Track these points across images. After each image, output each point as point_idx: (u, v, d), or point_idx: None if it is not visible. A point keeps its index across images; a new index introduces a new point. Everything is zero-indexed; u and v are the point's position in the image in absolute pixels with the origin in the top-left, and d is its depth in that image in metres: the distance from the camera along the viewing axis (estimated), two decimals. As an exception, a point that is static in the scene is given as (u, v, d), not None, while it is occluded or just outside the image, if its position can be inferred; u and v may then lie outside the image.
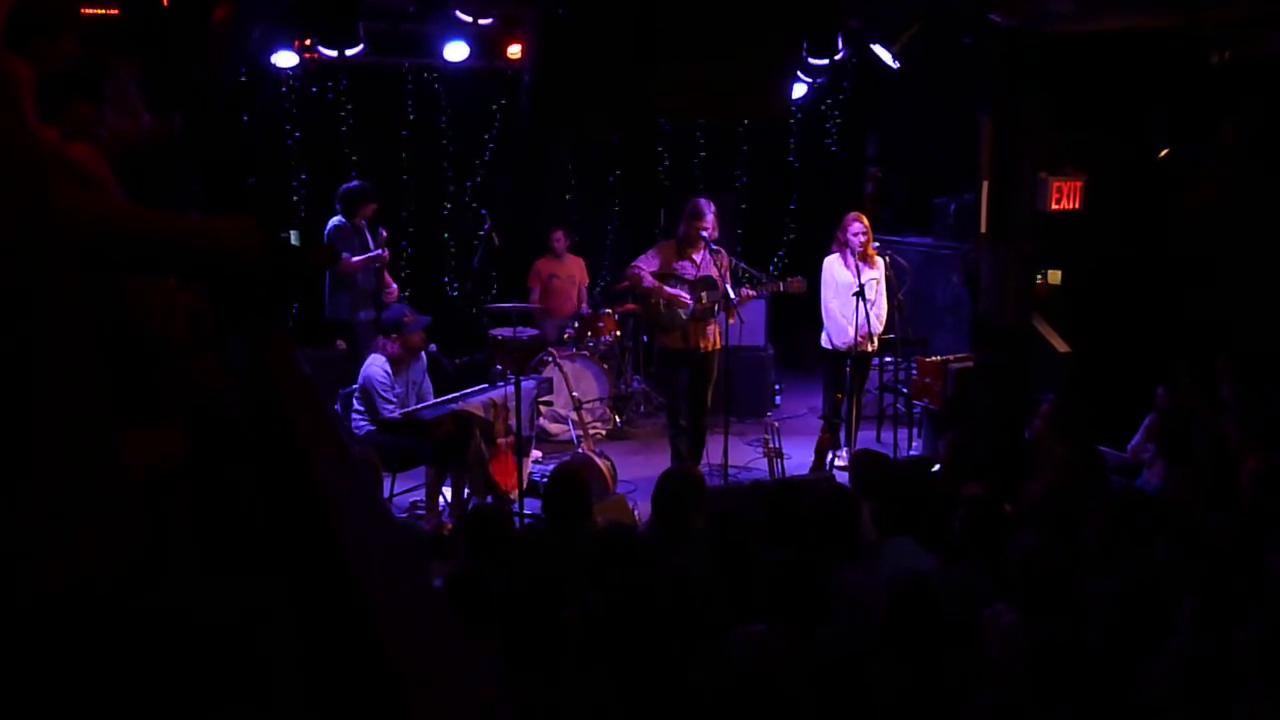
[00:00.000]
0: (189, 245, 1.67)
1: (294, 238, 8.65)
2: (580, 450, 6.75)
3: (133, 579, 1.31)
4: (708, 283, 6.71)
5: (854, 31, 7.60)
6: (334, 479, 1.49)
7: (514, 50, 7.95)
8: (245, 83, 8.32)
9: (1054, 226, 7.09)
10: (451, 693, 1.16)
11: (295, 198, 9.01)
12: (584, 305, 9.11)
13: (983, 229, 6.74)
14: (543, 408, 7.65)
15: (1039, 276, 7.58)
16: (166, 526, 1.63)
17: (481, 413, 6.30)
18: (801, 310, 8.30)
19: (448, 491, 6.47)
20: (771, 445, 6.85)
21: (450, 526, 6.24)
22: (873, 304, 6.99)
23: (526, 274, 9.13)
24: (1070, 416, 5.59)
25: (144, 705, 1.38)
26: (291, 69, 7.73)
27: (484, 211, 8.85)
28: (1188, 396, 6.00)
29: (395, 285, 7.71)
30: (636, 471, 7.28)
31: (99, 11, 3.44)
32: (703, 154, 10.64)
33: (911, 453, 7.61)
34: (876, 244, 7.23)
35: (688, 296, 6.72)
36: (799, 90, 8.64)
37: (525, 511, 6.15)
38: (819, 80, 9.22)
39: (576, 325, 8.53)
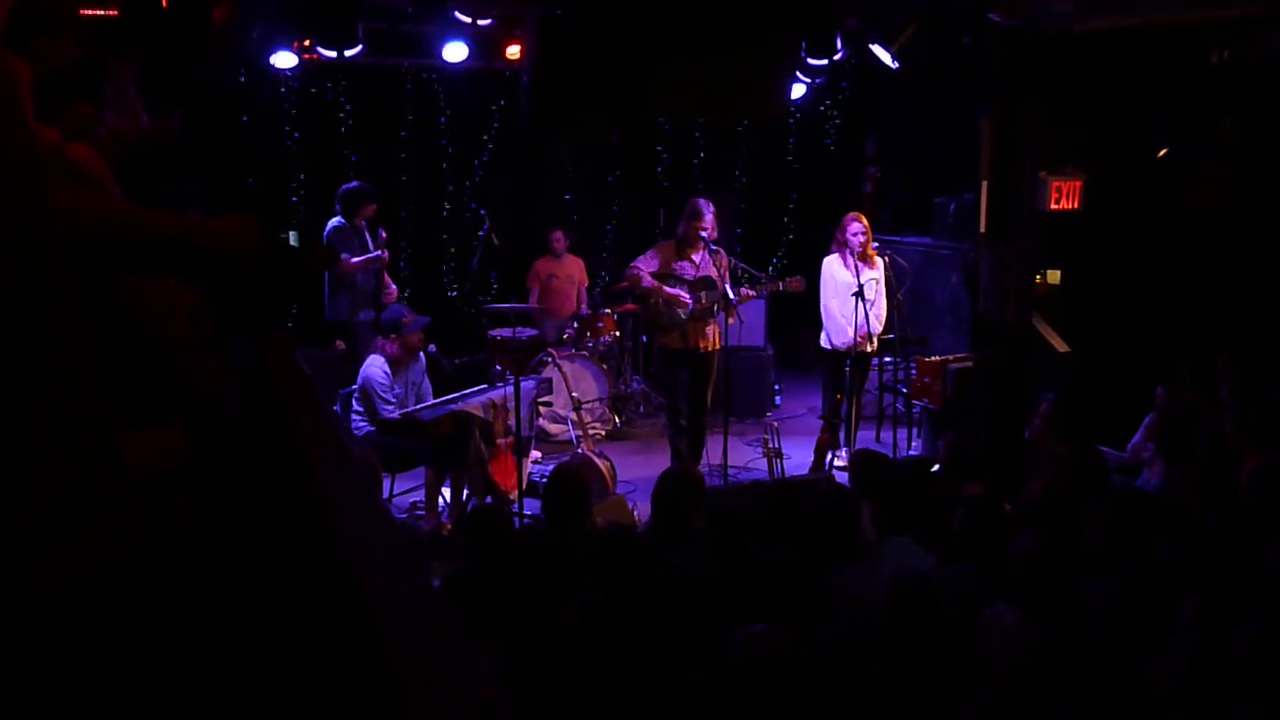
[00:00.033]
0: (189, 245, 1.67)
1: (293, 238, 8.65)
2: (580, 450, 6.74)
3: (133, 579, 1.31)
4: (707, 283, 6.71)
5: (853, 31, 7.61)
6: (334, 479, 1.49)
7: (513, 51, 7.96)
8: (244, 83, 8.33)
9: (1054, 226, 7.09)
10: (451, 693, 1.16)
11: (294, 198, 9.01)
12: (583, 305, 9.11)
13: (982, 229, 6.74)
14: (542, 408, 7.65)
15: (1039, 276, 7.58)
16: (166, 526, 1.63)
17: (481, 413, 6.30)
18: (801, 310, 8.30)
19: (447, 492, 6.47)
20: (771, 445, 6.85)
21: (449, 527, 6.24)
22: (872, 304, 6.99)
23: (525, 274, 9.13)
24: (1070, 416, 5.59)
25: (144, 705, 1.38)
26: (291, 69, 7.73)
27: (483, 212, 8.84)
28: (1188, 396, 6.00)
29: (394, 286, 7.71)
30: (636, 472, 7.28)
31: (98, 12, 3.44)
32: (702, 154, 10.65)
33: (911, 453, 7.61)
34: (876, 244, 7.23)
35: (687, 296, 6.72)
36: (798, 90, 8.64)
37: (525, 512, 6.15)
38: (818, 80, 9.23)
39: (576, 325, 8.53)
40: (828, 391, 7.41)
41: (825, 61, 7.62)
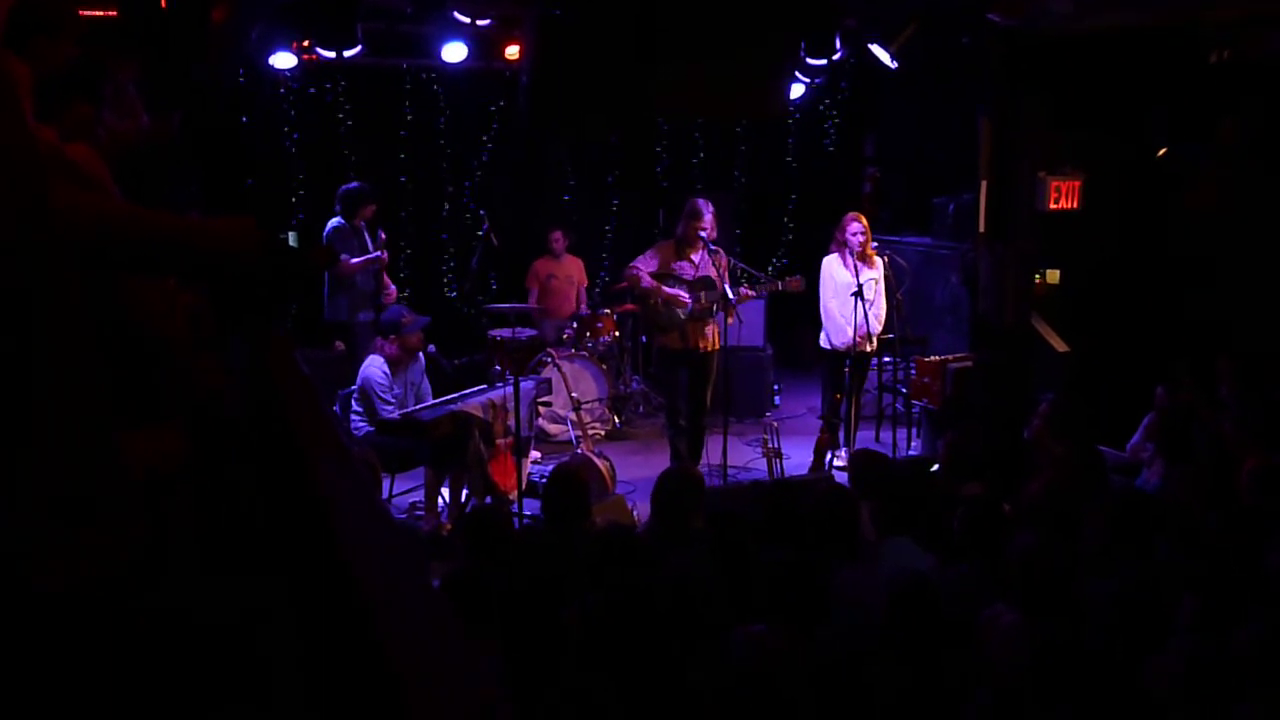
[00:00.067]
0: (189, 245, 1.67)
1: (292, 239, 8.65)
2: (579, 451, 6.74)
3: (133, 579, 1.31)
4: (706, 283, 6.71)
5: (852, 31, 7.61)
6: (334, 479, 1.49)
7: (512, 51, 7.96)
8: (244, 84, 8.33)
9: (1053, 226, 7.09)
10: (451, 693, 1.16)
11: (294, 199, 9.01)
12: (583, 306, 9.10)
13: (981, 229, 6.73)
14: (541, 408, 7.65)
15: (1038, 276, 7.58)
16: (166, 526, 1.63)
17: (480, 413, 6.30)
18: (800, 310, 8.30)
19: (446, 492, 6.47)
20: (770, 445, 6.84)
21: (449, 527, 6.24)
22: (871, 304, 6.99)
23: (525, 274, 9.13)
24: (1070, 416, 5.59)
25: (144, 705, 1.38)
26: (290, 70, 7.73)
27: (482, 212, 8.85)
28: (1187, 396, 6.00)
29: (394, 286, 7.72)
30: (636, 472, 7.29)
31: (98, 12, 3.44)
32: (701, 154, 10.65)
33: (910, 453, 7.61)
34: (875, 244, 7.24)
35: (686, 296, 6.72)
36: (797, 90, 8.64)
37: (524, 512, 6.14)
38: (817, 80, 9.23)
39: (575, 326, 8.52)
40: (827, 391, 7.41)
41: (824, 61, 7.62)
